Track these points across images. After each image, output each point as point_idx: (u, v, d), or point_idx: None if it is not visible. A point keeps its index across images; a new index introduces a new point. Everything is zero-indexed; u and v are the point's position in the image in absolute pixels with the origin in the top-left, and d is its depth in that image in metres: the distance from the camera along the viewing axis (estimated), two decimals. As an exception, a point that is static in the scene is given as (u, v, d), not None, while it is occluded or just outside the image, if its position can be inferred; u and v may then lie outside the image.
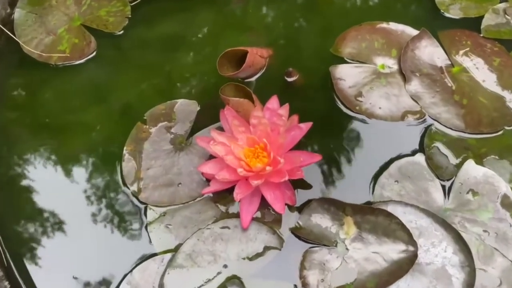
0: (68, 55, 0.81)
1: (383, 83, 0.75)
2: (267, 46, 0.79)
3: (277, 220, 0.65)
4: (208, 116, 0.72)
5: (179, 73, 0.80)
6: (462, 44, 0.78)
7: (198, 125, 0.73)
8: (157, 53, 0.83)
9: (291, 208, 0.65)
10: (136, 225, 0.67)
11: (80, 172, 0.73)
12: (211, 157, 0.67)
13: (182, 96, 0.76)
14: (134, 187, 0.68)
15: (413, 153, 0.69)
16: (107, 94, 0.79)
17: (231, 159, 0.63)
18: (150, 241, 0.65)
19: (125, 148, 0.71)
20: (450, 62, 0.76)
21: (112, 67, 0.82)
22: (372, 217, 0.62)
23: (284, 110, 0.66)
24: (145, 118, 0.74)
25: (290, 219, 0.64)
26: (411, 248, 0.60)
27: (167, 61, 0.81)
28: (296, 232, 0.63)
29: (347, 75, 0.76)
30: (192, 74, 0.80)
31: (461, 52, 0.77)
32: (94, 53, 0.83)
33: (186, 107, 0.75)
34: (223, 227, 0.64)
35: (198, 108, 0.75)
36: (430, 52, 0.77)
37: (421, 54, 0.77)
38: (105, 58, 0.83)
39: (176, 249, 0.63)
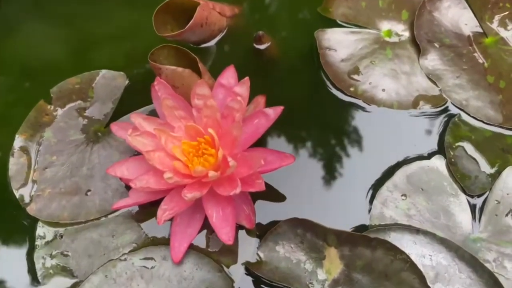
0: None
1: (389, 56, 0.67)
2: (233, 4, 0.70)
3: (227, 250, 0.54)
4: (140, 95, 0.62)
5: (106, 33, 0.71)
6: (499, 6, 0.69)
7: (124, 106, 0.63)
8: (78, 4, 0.73)
9: (249, 232, 0.55)
10: (17, 251, 0.55)
11: None
12: (138, 153, 0.55)
13: (106, 66, 0.66)
14: (22, 194, 0.57)
15: (429, 155, 0.60)
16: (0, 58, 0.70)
17: (160, 157, 0.51)
18: (36, 276, 0.53)
19: (17, 136, 0.61)
20: (481, 30, 0.68)
21: (12, 21, 0.72)
22: (367, 250, 0.52)
23: (243, 87, 0.54)
24: (51, 95, 0.64)
25: (246, 249, 0.54)
26: (423, 298, 0.49)
27: (90, 15, 0.72)
28: (254, 269, 0.53)
29: (339, 44, 0.67)
30: (123, 36, 0.70)
31: (497, 17, 0.69)
32: (-10, 2, 0.74)
33: (109, 81, 0.65)
34: (145, 259, 0.53)
35: (127, 83, 0.65)
36: (454, 15, 0.69)
37: (442, 18, 0.69)
38: (4, 9, 0.73)
39: (73, 290, 0.52)
